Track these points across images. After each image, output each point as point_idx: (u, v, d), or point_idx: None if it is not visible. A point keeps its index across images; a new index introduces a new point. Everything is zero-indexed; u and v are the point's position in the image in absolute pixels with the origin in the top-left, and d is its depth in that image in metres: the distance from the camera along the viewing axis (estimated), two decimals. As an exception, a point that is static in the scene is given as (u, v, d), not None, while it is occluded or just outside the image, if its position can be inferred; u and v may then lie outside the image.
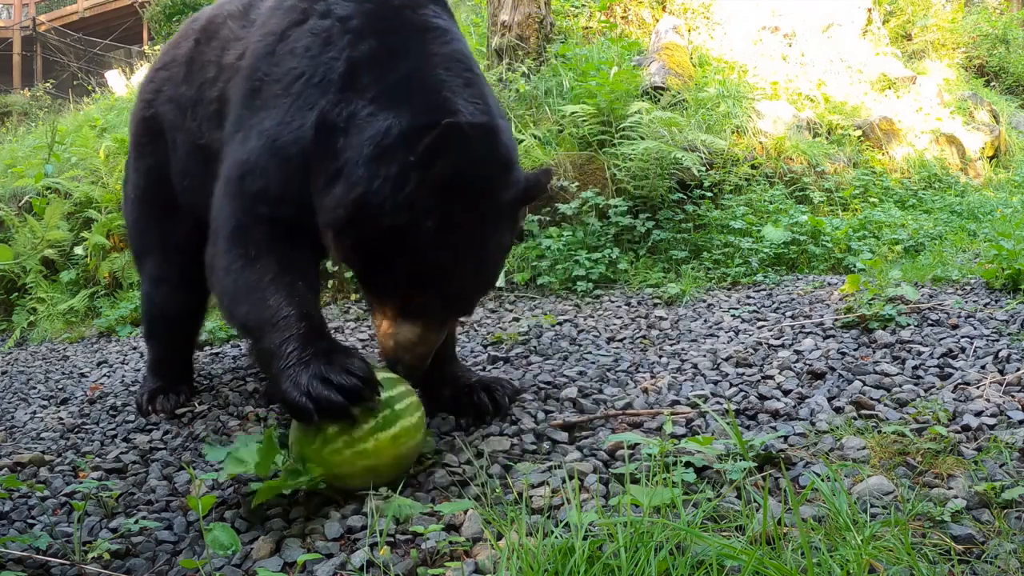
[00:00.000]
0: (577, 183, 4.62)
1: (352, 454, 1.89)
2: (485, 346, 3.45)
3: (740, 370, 2.73)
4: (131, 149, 3.07)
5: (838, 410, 2.29)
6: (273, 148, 2.16)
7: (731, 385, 2.60)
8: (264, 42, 2.32)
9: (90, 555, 1.78)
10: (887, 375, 2.52)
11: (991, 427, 2.06)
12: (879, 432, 2.07)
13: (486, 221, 2.03)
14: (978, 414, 2.14)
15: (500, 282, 4.34)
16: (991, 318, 3.00)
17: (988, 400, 2.23)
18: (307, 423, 1.90)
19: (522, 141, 4.82)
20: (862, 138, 6.37)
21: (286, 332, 1.99)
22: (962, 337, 2.82)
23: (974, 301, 3.27)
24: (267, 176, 2.17)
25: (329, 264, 4.09)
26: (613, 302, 4.00)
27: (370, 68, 2.10)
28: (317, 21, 2.23)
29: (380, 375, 1.99)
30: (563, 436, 2.30)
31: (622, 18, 7.58)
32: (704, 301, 3.89)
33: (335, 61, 2.13)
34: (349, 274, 4.30)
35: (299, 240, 2.19)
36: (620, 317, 3.72)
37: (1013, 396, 2.25)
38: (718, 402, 2.45)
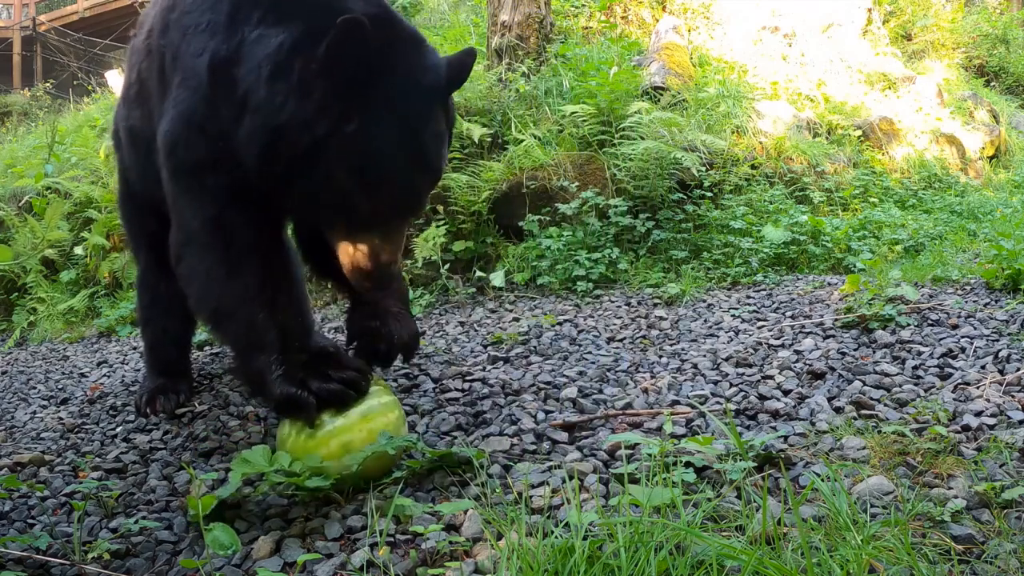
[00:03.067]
0: (577, 183, 4.62)
1: (322, 435, 1.94)
2: (485, 346, 3.45)
3: (740, 370, 2.73)
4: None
5: (838, 410, 2.29)
6: (183, 113, 2.09)
7: (731, 385, 2.60)
8: (160, 16, 2.29)
9: (90, 555, 1.78)
10: (887, 375, 2.52)
11: (991, 427, 2.06)
12: (879, 432, 2.07)
13: (411, 110, 1.92)
14: (978, 414, 2.14)
15: (500, 282, 4.35)
16: (991, 318, 3.00)
17: (988, 400, 2.23)
18: (303, 415, 1.93)
19: (522, 141, 4.82)
20: (862, 138, 6.37)
21: (275, 352, 2.00)
22: (962, 337, 2.82)
23: (974, 301, 3.27)
24: (193, 146, 2.09)
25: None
26: (613, 302, 4.00)
27: (258, 5, 2.00)
28: None
29: None
30: (563, 436, 2.30)
31: (622, 18, 7.58)
32: (704, 301, 3.89)
33: (219, 3, 2.07)
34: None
35: (262, 212, 2.10)
36: (620, 317, 3.72)
37: (1013, 396, 2.26)
38: (718, 402, 2.45)
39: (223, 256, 2.08)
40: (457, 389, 2.81)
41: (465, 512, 1.79)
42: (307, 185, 1.93)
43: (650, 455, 1.94)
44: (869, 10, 8.23)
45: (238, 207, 2.09)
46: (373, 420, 1.99)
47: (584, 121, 4.89)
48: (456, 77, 2.03)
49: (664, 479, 1.75)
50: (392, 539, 1.73)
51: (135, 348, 4.48)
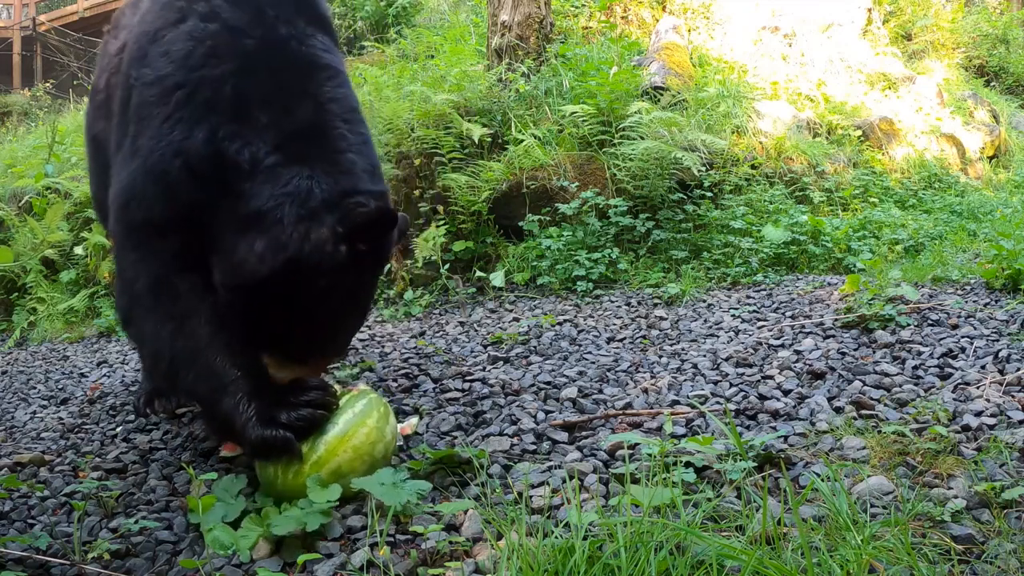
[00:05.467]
0: (577, 183, 4.62)
1: (309, 468, 1.92)
2: (485, 346, 3.45)
3: (740, 370, 2.73)
4: None
5: (838, 410, 2.29)
6: (150, 169, 2.07)
7: (731, 385, 2.60)
8: (138, 43, 2.21)
9: (90, 555, 1.78)
10: (887, 375, 2.52)
11: (991, 427, 2.06)
12: (879, 432, 2.07)
13: (378, 274, 2.29)
14: (978, 414, 2.14)
15: (500, 282, 4.35)
16: (991, 318, 3.00)
17: (988, 400, 2.23)
18: (286, 453, 1.92)
19: (522, 141, 4.82)
20: (862, 138, 6.37)
21: (236, 395, 2.00)
22: (962, 337, 2.82)
23: (974, 301, 3.27)
24: (151, 204, 2.08)
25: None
26: (613, 302, 4.00)
27: (265, 106, 2.04)
28: (198, 23, 2.10)
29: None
30: (563, 436, 2.30)
31: (622, 18, 7.58)
32: (704, 301, 3.89)
33: (221, 83, 2.04)
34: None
35: (207, 277, 2.12)
36: (620, 317, 3.72)
37: (1013, 396, 2.25)
38: (718, 402, 2.45)
39: (171, 312, 2.09)
40: (457, 389, 2.81)
41: (465, 512, 1.79)
42: (280, 313, 2.05)
43: (650, 455, 1.94)
44: (869, 10, 8.23)
45: (185, 269, 2.11)
46: (354, 435, 1.97)
47: (584, 121, 4.89)
48: (404, 231, 2.51)
49: (664, 479, 1.75)
50: (392, 539, 1.73)
51: (135, 348, 4.48)
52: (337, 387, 2.10)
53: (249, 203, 1.99)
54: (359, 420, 2.00)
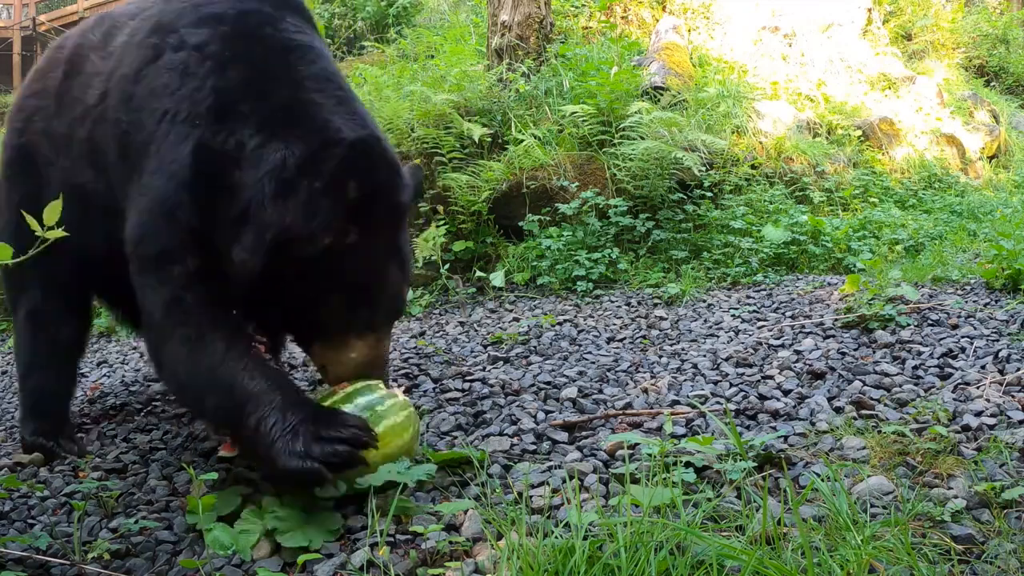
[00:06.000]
0: (577, 183, 4.62)
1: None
2: (485, 346, 3.45)
3: (740, 370, 2.73)
4: (2, 180, 2.77)
5: (838, 410, 2.29)
6: (155, 205, 2.08)
7: (731, 385, 2.60)
8: (120, 87, 2.24)
9: (90, 555, 1.78)
10: (887, 375, 2.52)
11: (991, 427, 2.06)
12: (879, 432, 2.07)
13: (395, 222, 2.15)
14: (978, 414, 2.14)
15: (500, 282, 4.35)
16: (991, 318, 3.00)
17: (988, 400, 2.23)
18: (319, 485, 1.85)
19: (522, 141, 4.82)
20: (862, 138, 6.37)
21: (262, 410, 1.88)
22: (962, 337, 2.82)
23: (974, 301, 3.27)
24: (160, 236, 2.09)
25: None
26: (613, 302, 4.00)
27: (246, 95, 2.07)
28: (171, 56, 2.16)
29: (358, 384, 2.06)
30: (563, 436, 2.30)
31: (622, 18, 7.58)
32: (704, 301, 3.89)
33: (199, 92, 2.08)
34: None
35: (225, 292, 2.10)
36: (620, 317, 3.72)
37: (1013, 396, 2.25)
38: (718, 402, 2.45)
39: (186, 333, 2.05)
40: (457, 389, 2.81)
41: (465, 512, 1.79)
42: (305, 293, 2.02)
43: (650, 455, 1.94)
44: (869, 10, 8.23)
45: (199, 286, 2.09)
46: (389, 444, 1.96)
47: (584, 121, 4.89)
48: (419, 192, 2.33)
49: (664, 479, 1.75)
50: (392, 539, 1.73)
51: (135, 348, 4.48)
52: (382, 389, 2.06)
53: (242, 196, 1.98)
54: (397, 433, 2.00)
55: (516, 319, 3.88)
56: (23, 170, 2.67)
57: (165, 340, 2.09)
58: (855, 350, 2.80)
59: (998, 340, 2.75)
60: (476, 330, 3.78)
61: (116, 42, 2.39)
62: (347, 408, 1.96)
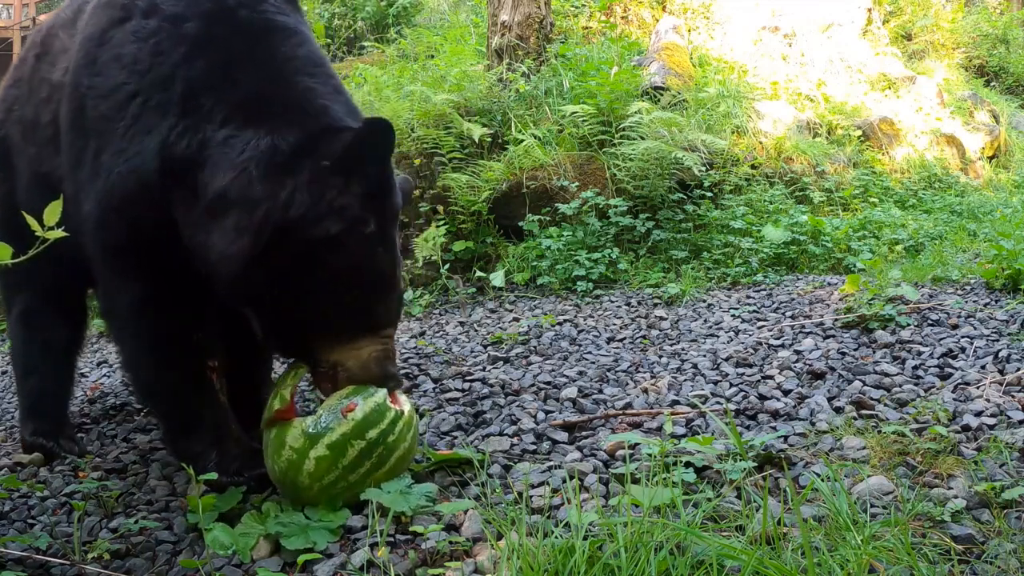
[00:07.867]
0: (577, 183, 4.62)
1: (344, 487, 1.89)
2: (485, 346, 3.45)
3: (740, 370, 2.73)
4: None
5: (838, 410, 2.29)
6: (111, 191, 1.99)
7: (731, 385, 2.60)
8: (84, 49, 2.09)
9: (90, 555, 1.78)
10: (887, 375, 2.52)
11: (991, 427, 2.06)
12: (879, 432, 2.07)
13: (397, 217, 2.06)
14: (978, 414, 2.14)
15: (500, 282, 4.35)
16: (991, 318, 3.00)
17: (988, 400, 2.23)
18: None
19: (522, 141, 4.82)
20: (862, 138, 6.37)
21: (204, 440, 2.11)
22: (962, 337, 2.82)
23: (974, 301, 3.27)
24: (114, 228, 2.02)
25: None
26: (613, 302, 4.00)
27: (209, 87, 1.93)
28: (141, 21, 2.02)
29: (369, 403, 1.91)
30: (563, 436, 2.30)
31: (622, 18, 7.58)
32: (704, 301, 3.89)
33: (170, 80, 1.95)
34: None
35: (188, 294, 2.07)
36: (620, 317, 3.72)
37: (1013, 396, 2.25)
38: (718, 402, 2.45)
39: (153, 344, 2.14)
40: (457, 389, 2.81)
41: (465, 512, 1.79)
42: (300, 284, 1.88)
43: (650, 455, 1.94)
44: (869, 10, 8.23)
45: (165, 289, 2.07)
46: (386, 463, 1.92)
47: (584, 121, 4.89)
48: (408, 197, 2.26)
49: (664, 479, 1.75)
50: (392, 539, 1.73)
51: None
52: (385, 398, 1.96)
53: (208, 191, 1.88)
54: (402, 456, 1.96)
55: (516, 319, 3.88)
56: (3, 164, 2.60)
57: (131, 339, 2.18)
58: (855, 350, 2.80)
59: (998, 340, 2.75)
60: (476, 330, 3.78)
61: (84, 15, 2.25)
62: (361, 446, 1.87)
